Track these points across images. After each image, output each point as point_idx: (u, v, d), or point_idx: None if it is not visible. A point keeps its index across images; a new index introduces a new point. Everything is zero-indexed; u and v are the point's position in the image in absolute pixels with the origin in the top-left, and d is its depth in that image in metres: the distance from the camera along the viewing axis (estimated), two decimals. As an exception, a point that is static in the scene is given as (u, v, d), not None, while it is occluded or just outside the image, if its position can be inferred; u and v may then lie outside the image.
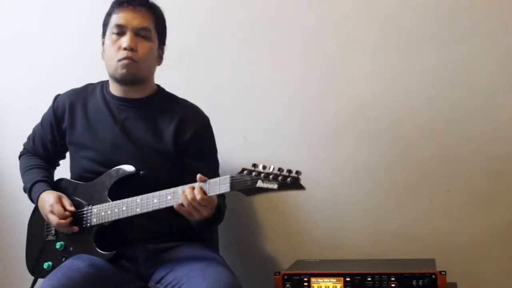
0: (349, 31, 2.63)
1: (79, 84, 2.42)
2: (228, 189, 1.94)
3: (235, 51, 2.74)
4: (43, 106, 2.44)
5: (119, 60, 2.22)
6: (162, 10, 2.32)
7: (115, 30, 2.24)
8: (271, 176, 1.89)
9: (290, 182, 1.87)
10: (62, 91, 2.42)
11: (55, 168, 2.49)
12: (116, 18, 2.25)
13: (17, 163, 2.48)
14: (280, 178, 1.88)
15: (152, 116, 2.28)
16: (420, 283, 2.09)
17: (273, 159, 2.63)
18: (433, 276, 2.09)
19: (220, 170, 2.35)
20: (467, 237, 2.51)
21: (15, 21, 2.99)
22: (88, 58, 2.74)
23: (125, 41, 2.21)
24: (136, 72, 2.25)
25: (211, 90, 2.73)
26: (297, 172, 1.89)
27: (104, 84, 2.36)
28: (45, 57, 2.94)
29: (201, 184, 2.00)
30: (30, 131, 2.50)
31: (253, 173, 1.90)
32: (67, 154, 2.44)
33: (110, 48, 2.24)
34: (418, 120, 2.56)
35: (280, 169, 1.89)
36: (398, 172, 2.58)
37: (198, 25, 2.78)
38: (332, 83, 2.64)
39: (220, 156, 2.37)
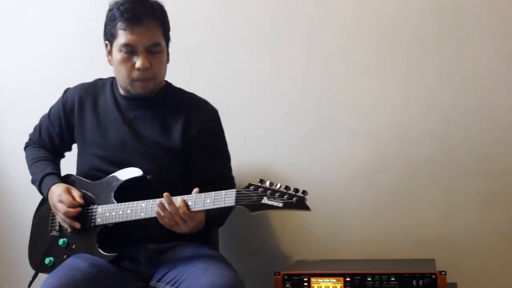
0: (349, 31, 2.63)
1: (80, 84, 2.42)
2: (233, 203, 1.95)
3: (235, 51, 2.74)
4: (43, 107, 2.44)
5: (134, 80, 2.20)
6: (163, 6, 2.24)
7: (124, 49, 2.17)
8: (277, 194, 1.90)
9: (295, 201, 1.88)
10: (62, 91, 2.42)
11: (60, 160, 2.48)
12: (124, 36, 2.16)
13: (17, 163, 2.48)
14: (286, 196, 1.89)
15: (160, 113, 2.28)
16: (420, 283, 2.09)
17: (273, 159, 2.66)
18: (433, 276, 2.09)
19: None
20: (467, 237, 2.51)
21: (15, 21, 2.98)
22: (89, 58, 2.74)
23: (138, 61, 2.16)
24: (153, 88, 2.25)
25: (212, 90, 2.71)
26: (304, 192, 1.89)
27: (114, 81, 2.34)
28: (45, 57, 2.93)
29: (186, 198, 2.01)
30: (30, 132, 2.49)
31: (259, 189, 1.91)
32: (73, 146, 2.43)
33: (121, 65, 2.19)
34: (418, 120, 2.56)
35: (287, 187, 1.90)
36: (398, 172, 2.58)
37: (199, 25, 2.77)
38: (333, 83, 2.64)
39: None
